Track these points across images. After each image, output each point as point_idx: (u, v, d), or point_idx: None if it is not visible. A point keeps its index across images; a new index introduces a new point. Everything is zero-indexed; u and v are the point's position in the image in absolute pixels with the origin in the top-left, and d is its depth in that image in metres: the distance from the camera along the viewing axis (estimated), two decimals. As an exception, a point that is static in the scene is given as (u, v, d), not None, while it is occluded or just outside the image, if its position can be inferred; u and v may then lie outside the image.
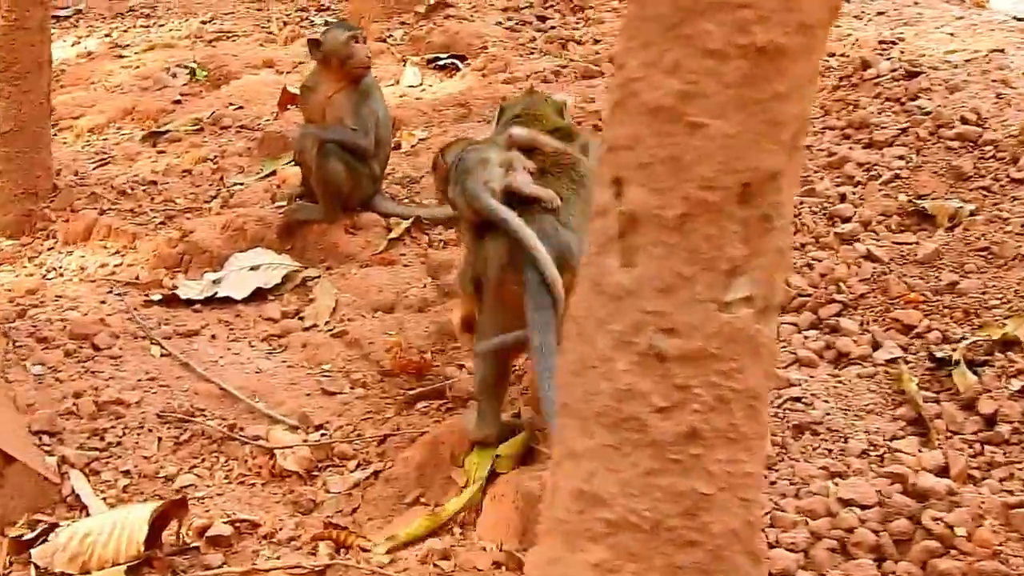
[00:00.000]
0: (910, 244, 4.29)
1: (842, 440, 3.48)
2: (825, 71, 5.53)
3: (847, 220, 4.56)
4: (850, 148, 4.99)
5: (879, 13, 6.19)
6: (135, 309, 5.11)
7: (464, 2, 8.40)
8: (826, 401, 3.61)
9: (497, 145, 3.93)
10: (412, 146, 6.34)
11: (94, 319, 4.92)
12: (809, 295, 4.16)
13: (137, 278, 5.50)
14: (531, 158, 3.82)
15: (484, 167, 3.77)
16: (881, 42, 5.62)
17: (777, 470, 3.40)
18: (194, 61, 8.22)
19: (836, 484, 3.29)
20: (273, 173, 6.36)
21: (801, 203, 4.68)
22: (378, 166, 5.59)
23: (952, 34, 5.72)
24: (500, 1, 8.29)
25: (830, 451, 3.46)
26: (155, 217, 6.10)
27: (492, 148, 3.91)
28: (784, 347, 3.92)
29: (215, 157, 6.63)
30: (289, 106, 6.87)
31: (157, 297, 5.23)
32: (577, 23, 7.69)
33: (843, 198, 4.69)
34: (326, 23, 9.83)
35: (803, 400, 3.61)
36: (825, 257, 4.33)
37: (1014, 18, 6.39)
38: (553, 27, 7.76)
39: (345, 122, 5.47)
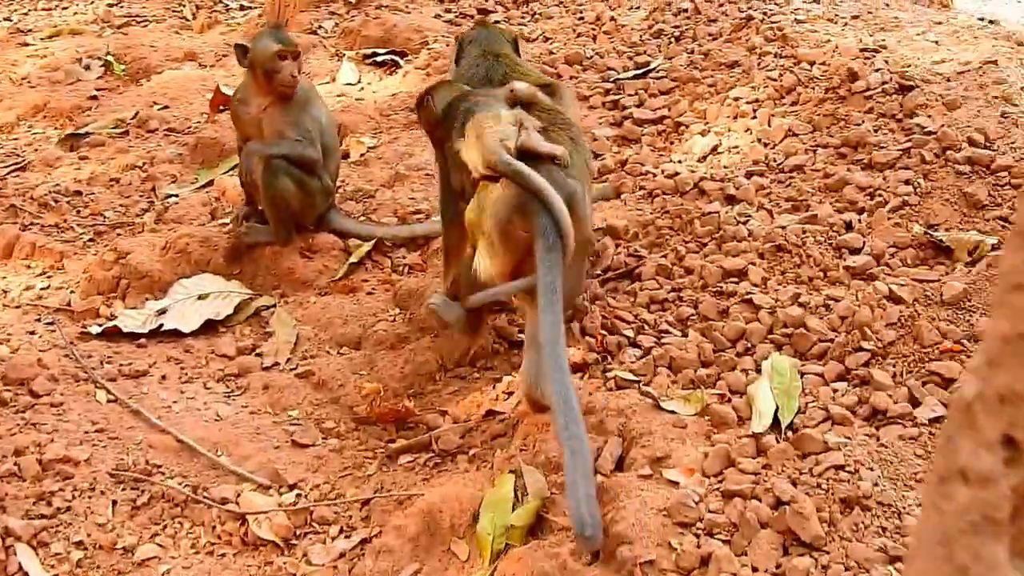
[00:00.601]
0: (932, 282, 3.99)
1: (896, 516, 3.16)
2: (808, 81, 5.22)
3: (856, 251, 4.26)
4: (848, 169, 4.68)
5: (854, 17, 5.90)
6: (71, 342, 4.61)
7: (401, -14, 7.94)
8: (871, 469, 3.29)
9: (498, 97, 4.05)
10: (361, 155, 5.90)
11: (30, 360, 4.40)
12: (830, 340, 3.84)
13: (69, 304, 5.00)
14: (529, 111, 3.98)
15: (498, 123, 3.87)
16: (863, 50, 5.32)
17: (828, 551, 3.08)
18: (109, 53, 7.63)
19: (898, 571, 2.97)
20: (210, 183, 5.87)
21: (804, 231, 4.35)
22: (329, 178, 5.14)
23: (936, 42, 5.45)
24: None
25: (884, 529, 3.14)
26: (83, 233, 5.58)
27: (498, 102, 4.01)
28: (812, 402, 3.60)
29: (144, 164, 6.11)
30: (221, 107, 6.36)
31: (96, 329, 4.73)
32: (523, 18, 7.28)
33: (849, 226, 4.39)
34: (241, 7, 9.32)
35: (846, 468, 3.29)
36: (841, 296, 4.00)
37: (978, 19, 6.15)
38: (497, 22, 7.32)
39: (286, 134, 5.00)
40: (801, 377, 3.71)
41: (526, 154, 3.79)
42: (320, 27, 7.71)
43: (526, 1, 7.38)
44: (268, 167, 4.96)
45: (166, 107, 6.74)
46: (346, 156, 5.91)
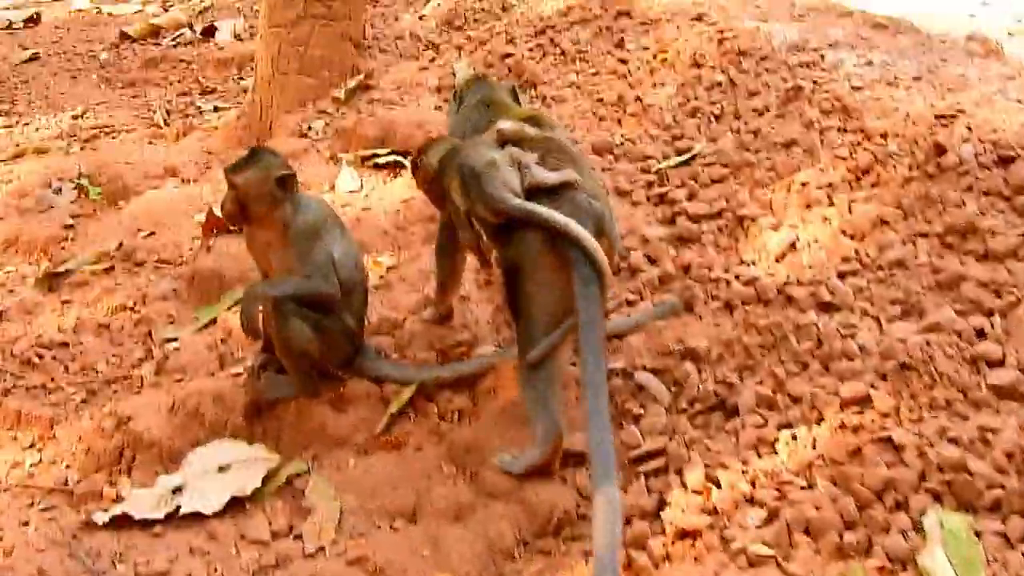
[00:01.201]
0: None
1: None
2: (886, 158, 4.60)
3: (997, 365, 3.60)
4: (961, 262, 4.04)
5: (915, 78, 5.30)
6: (74, 536, 3.91)
7: (388, 84, 7.29)
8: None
9: (487, 143, 3.99)
10: (381, 277, 5.21)
11: (29, 571, 3.68)
12: (1001, 486, 3.17)
13: (66, 482, 4.29)
14: (520, 147, 3.93)
15: (495, 169, 3.82)
16: (940, 116, 4.70)
17: None
18: (80, 174, 6.93)
19: None
20: (213, 322, 5.17)
21: (927, 343, 3.70)
22: (352, 317, 4.44)
23: (1019, 100, 4.84)
24: (430, 79, 7.20)
25: None
26: (74, 393, 4.89)
27: (488, 147, 3.96)
28: (1000, 573, 2.93)
29: (135, 304, 5.42)
30: (215, 230, 5.69)
31: (102, 517, 4.01)
32: (532, 102, 6.64)
33: (981, 333, 3.73)
34: (215, 108, 8.68)
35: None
36: (996, 425, 3.34)
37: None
38: (505, 108, 6.70)
39: (294, 270, 4.29)
40: (978, 538, 3.04)
41: (538, 191, 3.78)
42: (310, 128, 7.05)
43: (533, 85, 6.74)
44: (278, 310, 4.27)
45: (152, 234, 6.04)
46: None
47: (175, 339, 5.12)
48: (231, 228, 5.44)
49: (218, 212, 5.57)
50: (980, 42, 5.94)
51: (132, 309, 5.38)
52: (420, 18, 8.81)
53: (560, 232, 3.64)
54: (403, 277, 5.18)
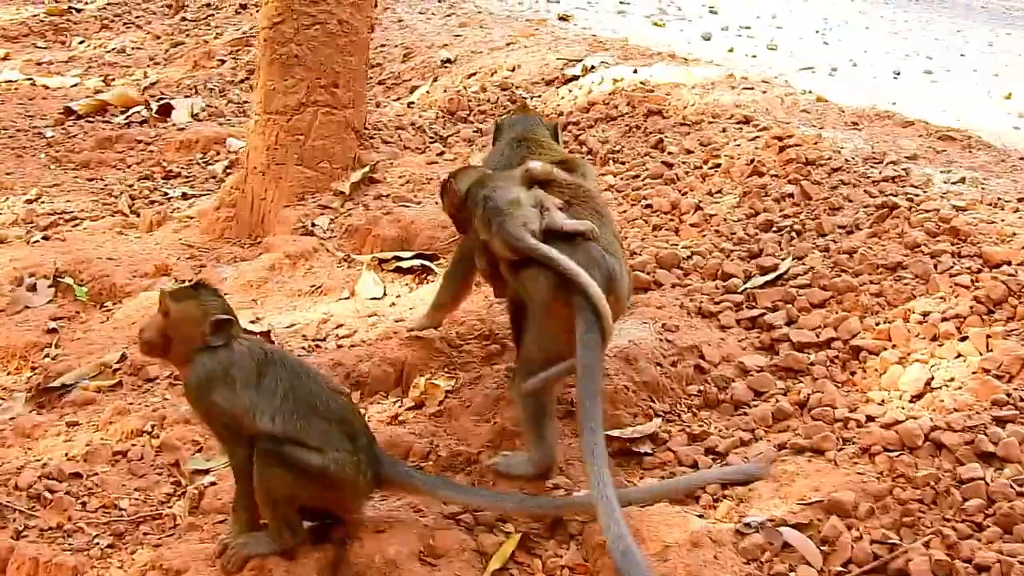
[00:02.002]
0: None
1: None
2: (1020, 289, 4.26)
3: None
4: None
5: (1020, 199, 4.98)
6: None
7: (395, 178, 6.80)
8: None
9: (515, 179, 4.08)
10: (441, 403, 4.69)
11: None
12: None
13: (100, 648, 3.67)
14: (548, 189, 4.01)
15: (518, 207, 3.91)
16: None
17: None
18: (58, 270, 6.28)
19: None
20: (250, 451, 4.57)
21: None
22: (345, 444, 3.76)
23: None
24: (443, 175, 6.70)
25: None
26: (97, 537, 4.25)
27: (515, 184, 4.04)
28: None
29: (153, 428, 4.80)
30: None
31: None
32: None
33: None
34: (184, 196, 8.09)
35: None
36: None
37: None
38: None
39: None
40: None
41: (554, 234, 3.83)
42: (314, 224, 6.51)
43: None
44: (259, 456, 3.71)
45: (158, 343, 5.42)
46: (420, 405, 4.72)
47: (207, 471, 4.52)
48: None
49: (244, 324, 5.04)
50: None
51: (150, 434, 4.76)
52: (409, 106, 8.34)
53: (569, 277, 3.72)
54: (465, 402, 4.67)
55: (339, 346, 5.22)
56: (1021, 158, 5.66)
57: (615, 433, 4.27)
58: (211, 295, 3.84)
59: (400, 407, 4.77)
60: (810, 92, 7.28)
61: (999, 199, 4.93)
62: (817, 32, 12.15)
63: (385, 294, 5.80)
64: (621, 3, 12.41)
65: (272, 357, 3.82)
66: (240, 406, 3.69)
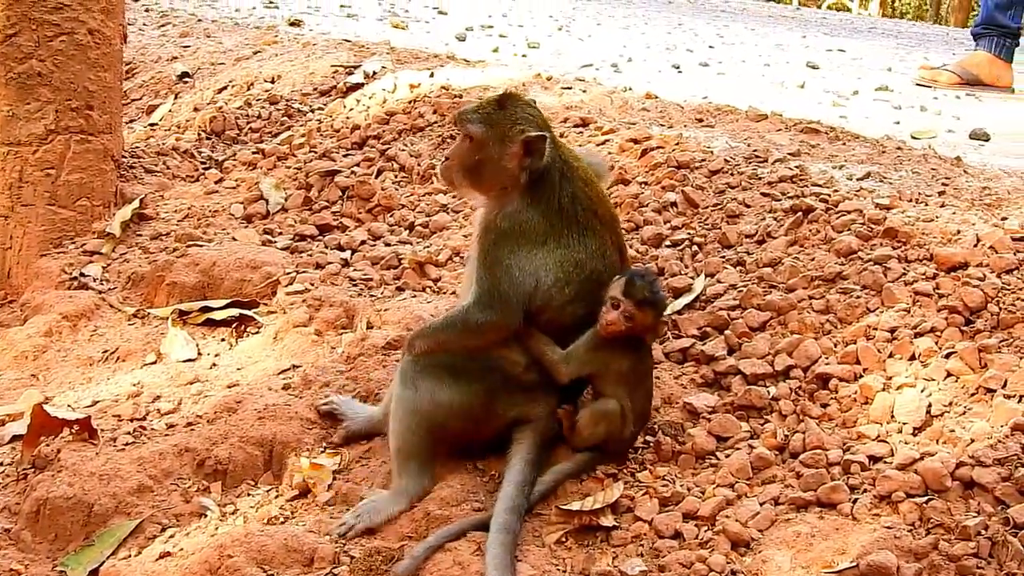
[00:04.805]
0: None
1: None
2: (997, 294, 3.89)
3: None
4: None
5: (940, 192, 4.61)
6: None
7: (170, 212, 5.78)
8: None
9: None
10: (330, 488, 3.83)
11: None
12: None
13: None
14: None
15: None
16: (1018, 238, 4.02)
17: None
18: None
19: None
20: (97, 579, 3.60)
21: None
22: None
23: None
24: (233, 206, 5.75)
25: None
26: None
27: None
28: None
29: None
30: (45, 436, 4.10)
31: None
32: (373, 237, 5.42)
33: None
34: None
35: None
36: None
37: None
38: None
39: None
40: None
41: None
42: (83, 275, 5.42)
43: (388, 210, 5.50)
44: None
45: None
46: (305, 493, 3.85)
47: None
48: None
49: (51, 410, 4.07)
50: (926, 151, 5.38)
51: (-49, 568, 3.68)
52: (151, 128, 7.27)
53: None
54: (365, 483, 3.85)
55: (170, 425, 4.25)
56: (898, 147, 5.28)
57: (573, 507, 3.55)
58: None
59: (278, 498, 3.88)
60: (630, 89, 6.75)
61: (921, 194, 4.51)
62: (560, 29, 11.74)
63: (200, 354, 4.84)
64: (342, 6, 11.59)
65: None
66: None
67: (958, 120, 7.23)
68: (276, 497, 3.90)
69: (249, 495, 3.95)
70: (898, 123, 6.87)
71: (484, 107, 3.75)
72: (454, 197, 5.41)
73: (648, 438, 3.85)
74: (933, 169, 5.00)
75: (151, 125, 7.35)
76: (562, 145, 3.90)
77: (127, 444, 4.15)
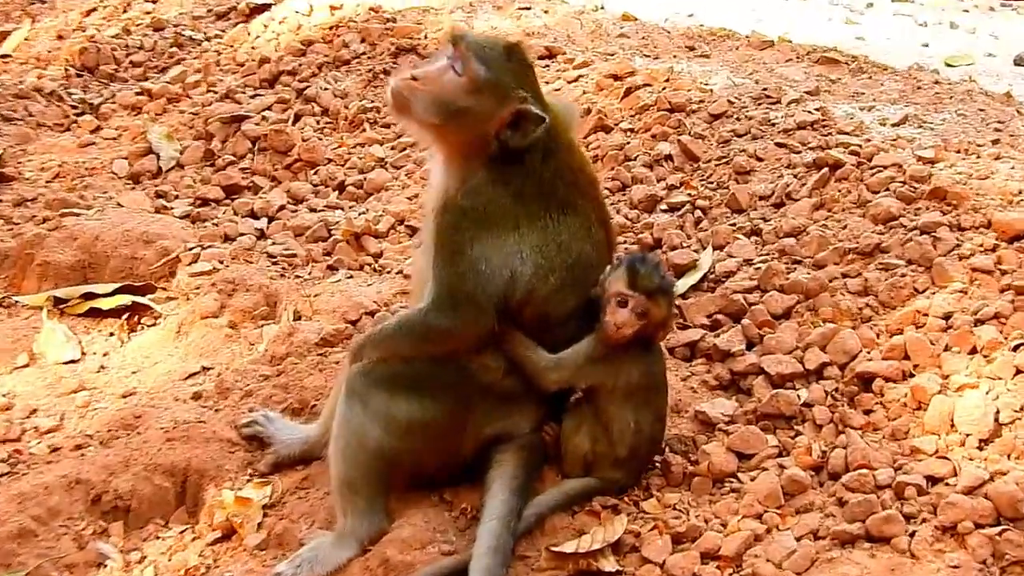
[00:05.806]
0: None
1: None
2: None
3: None
4: None
5: (994, 142, 4.56)
6: None
7: (35, 170, 5.61)
8: None
9: None
10: (261, 527, 3.75)
11: None
12: None
13: None
14: None
15: None
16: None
17: None
18: None
19: None
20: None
21: None
22: None
23: None
24: (116, 162, 5.60)
25: None
26: None
27: None
28: None
29: None
30: None
31: None
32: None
33: None
34: None
35: None
36: None
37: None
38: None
39: None
40: None
41: None
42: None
43: (312, 165, 5.38)
44: None
45: None
46: (229, 535, 3.75)
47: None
48: None
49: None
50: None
51: None
52: (2, 59, 7.06)
53: None
54: (304, 518, 3.76)
55: (54, 449, 4.13)
56: (935, 81, 5.24)
57: (567, 549, 3.48)
58: None
59: (196, 541, 3.78)
60: (602, 7, 6.66)
61: (971, 143, 4.46)
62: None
63: (84, 354, 4.72)
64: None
65: None
66: None
67: (996, 40, 7.21)
68: (193, 540, 3.75)
69: (159, 538, 3.79)
70: (927, 46, 6.85)
71: (491, 46, 3.59)
72: (394, 148, 5.29)
73: (656, 456, 3.79)
74: (981, 110, 4.94)
75: (3, 57, 7.15)
76: (550, 107, 3.78)
77: (1, 475, 4.02)
